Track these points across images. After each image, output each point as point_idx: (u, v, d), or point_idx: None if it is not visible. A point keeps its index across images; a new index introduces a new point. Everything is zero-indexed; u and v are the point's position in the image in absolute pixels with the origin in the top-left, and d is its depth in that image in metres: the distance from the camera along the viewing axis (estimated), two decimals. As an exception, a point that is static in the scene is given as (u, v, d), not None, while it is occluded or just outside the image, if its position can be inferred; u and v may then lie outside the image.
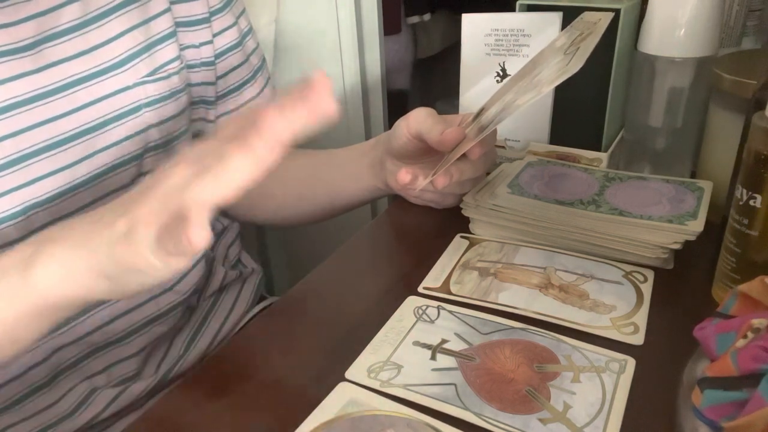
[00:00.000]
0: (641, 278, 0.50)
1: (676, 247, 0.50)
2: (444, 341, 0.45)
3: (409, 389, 0.41)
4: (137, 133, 0.54)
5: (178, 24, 0.58)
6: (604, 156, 0.64)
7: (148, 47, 0.55)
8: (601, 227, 0.53)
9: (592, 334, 0.45)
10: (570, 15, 0.60)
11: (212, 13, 0.60)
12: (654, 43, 0.59)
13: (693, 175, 0.62)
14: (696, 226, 0.50)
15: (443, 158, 0.56)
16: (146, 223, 0.33)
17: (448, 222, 0.60)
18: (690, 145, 0.62)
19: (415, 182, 0.57)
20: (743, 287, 0.33)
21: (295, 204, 0.71)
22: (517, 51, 0.65)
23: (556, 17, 0.63)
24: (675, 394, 0.34)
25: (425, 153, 0.58)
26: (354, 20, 0.93)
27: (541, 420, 0.38)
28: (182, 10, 0.58)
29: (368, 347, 0.45)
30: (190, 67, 0.60)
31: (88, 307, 0.53)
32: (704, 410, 0.30)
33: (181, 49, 0.58)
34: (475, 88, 0.69)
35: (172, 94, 0.56)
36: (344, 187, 0.68)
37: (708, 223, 0.51)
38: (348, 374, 0.42)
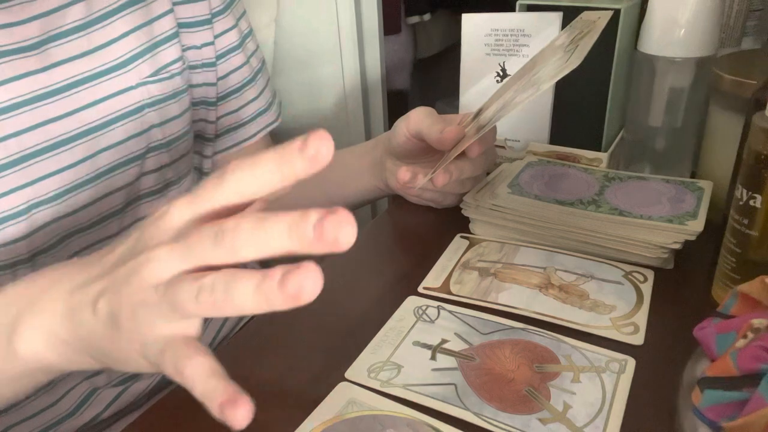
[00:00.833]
0: (641, 278, 0.50)
1: (676, 247, 0.50)
2: (444, 341, 0.45)
3: (409, 389, 0.41)
4: (140, 133, 0.54)
5: (180, 25, 0.58)
6: (604, 156, 0.64)
7: (151, 48, 0.55)
8: (601, 227, 0.53)
9: (592, 334, 0.45)
10: (570, 15, 0.60)
11: (214, 15, 0.61)
12: (654, 43, 0.59)
13: (693, 175, 0.62)
14: (696, 226, 0.50)
15: (443, 157, 0.56)
16: (127, 315, 0.29)
17: (448, 222, 0.60)
18: (690, 145, 0.62)
19: (414, 180, 0.57)
20: (743, 287, 0.33)
21: (295, 204, 0.70)
22: (517, 51, 0.65)
23: (556, 17, 0.63)
24: (675, 394, 0.34)
25: (425, 152, 0.59)
26: (354, 20, 0.93)
27: (541, 420, 0.38)
28: (185, 11, 0.58)
29: (368, 347, 0.45)
30: (191, 67, 0.60)
31: None
32: (704, 410, 0.30)
33: (184, 50, 0.58)
34: (475, 87, 0.69)
35: (175, 95, 0.57)
36: (344, 187, 0.68)
37: (708, 223, 0.51)
38: (348, 374, 0.42)
